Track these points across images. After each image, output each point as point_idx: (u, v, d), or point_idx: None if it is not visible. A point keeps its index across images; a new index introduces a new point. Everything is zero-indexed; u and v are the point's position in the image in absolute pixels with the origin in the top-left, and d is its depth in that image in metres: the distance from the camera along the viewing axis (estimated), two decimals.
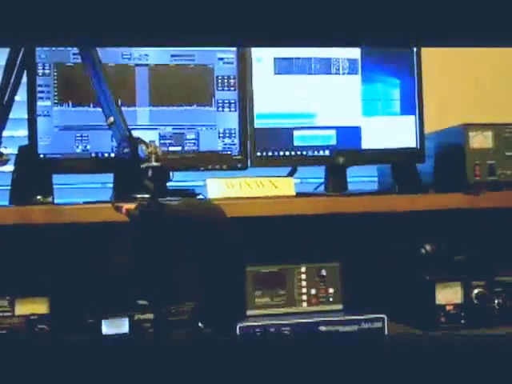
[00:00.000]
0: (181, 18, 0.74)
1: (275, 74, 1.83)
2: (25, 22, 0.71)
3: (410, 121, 1.90)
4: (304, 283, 1.75)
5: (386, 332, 1.66)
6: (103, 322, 1.55)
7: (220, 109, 1.79)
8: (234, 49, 1.81)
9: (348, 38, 0.82)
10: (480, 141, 1.80)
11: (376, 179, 2.09)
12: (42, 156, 1.67)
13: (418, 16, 0.69)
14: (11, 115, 1.47)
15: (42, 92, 1.69)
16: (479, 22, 0.69)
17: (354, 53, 1.87)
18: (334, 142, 1.86)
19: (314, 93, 1.85)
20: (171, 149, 1.76)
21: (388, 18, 0.71)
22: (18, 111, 1.67)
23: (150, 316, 1.58)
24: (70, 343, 1.02)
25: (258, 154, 1.81)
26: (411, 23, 0.70)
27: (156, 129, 1.75)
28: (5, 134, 1.46)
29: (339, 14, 0.73)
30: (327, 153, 1.85)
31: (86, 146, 1.71)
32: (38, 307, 1.55)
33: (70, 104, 1.70)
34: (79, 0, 0.71)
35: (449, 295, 1.72)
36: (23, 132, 1.79)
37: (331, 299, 1.76)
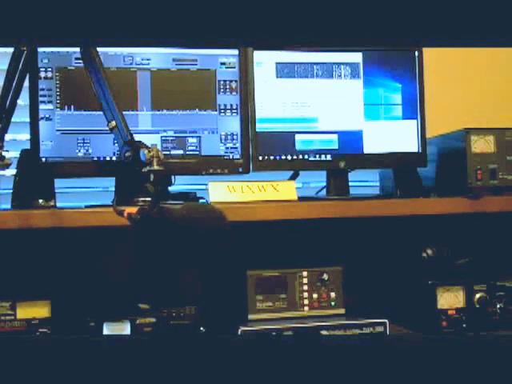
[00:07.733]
0: (182, 19, 0.74)
1: (277, 78, 1.84)
2: (26, 22, 0.71)
3: (412, 125, 1.90)
4: (306, 287, 1.75)
5: None
6: (105, 325, 1.55)
7: (222, 113, 1.80)
8: (236, 53, 1.81)
9: (349, 40, 0.82)
10: (481, 145, 1.80)
11: (378, 183, 2.09)
12: (44, 160, 1.67)
13: (418, 16, 0.70)
14: (13, 119, 1.47)
15: (45, 96, 1.69)
16: (479, 22, 0.69)
17: (356, 57, 1.87)
18: (335, 146, 1.86)
19: (316, 97, 1.85)
20: (173, 153, 1.76)
21: (388, 18, 0.71)
22: (21, 115, 1.67)
23: (152, 320, 1.59)
24: (69, 342, 1.02)
25: (260, 158, 1.81)
26: (412, 23, 0.71)
27: (158, 133, 1.76)
28: (7, 137, 1.46)
29: (341, 16, 0.74)
30: (329, 157, 1.85)
31: (87, 150, 1.71)
32: (39, 311, 1.55)
33: (72, 108, 1.70)
34: (81, 0, 0.72)
35: (450, 299, 1.72)
36: (25, 136, 1.80)
37: (333, 303, 1.76)
